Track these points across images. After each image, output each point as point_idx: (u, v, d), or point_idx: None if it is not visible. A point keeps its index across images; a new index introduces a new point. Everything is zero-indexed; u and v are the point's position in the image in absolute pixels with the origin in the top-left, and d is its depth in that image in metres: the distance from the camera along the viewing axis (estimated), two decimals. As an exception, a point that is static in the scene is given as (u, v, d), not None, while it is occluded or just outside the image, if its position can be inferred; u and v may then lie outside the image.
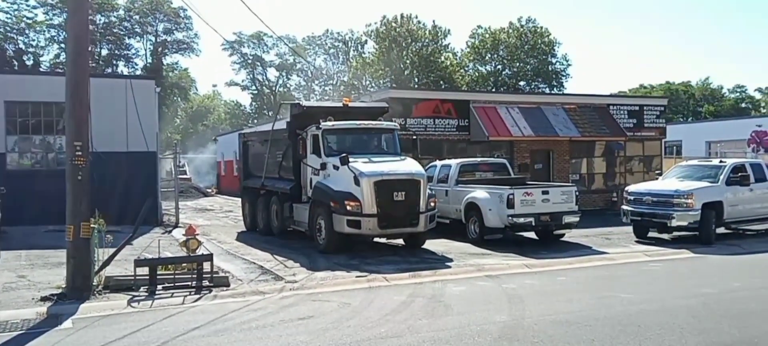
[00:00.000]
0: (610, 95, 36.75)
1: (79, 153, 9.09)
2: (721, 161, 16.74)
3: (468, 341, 7.11)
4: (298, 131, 15.11)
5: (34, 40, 56.08)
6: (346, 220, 13.11)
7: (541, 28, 60.76)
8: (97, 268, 9.61)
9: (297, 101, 16.11)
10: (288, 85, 71.08)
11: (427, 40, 61.76)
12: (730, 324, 7.81)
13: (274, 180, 16.53)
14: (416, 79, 59.42)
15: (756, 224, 16.80)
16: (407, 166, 13.97)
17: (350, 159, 13.35)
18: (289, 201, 15.61)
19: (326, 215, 13.54)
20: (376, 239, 14.61)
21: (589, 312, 8.41)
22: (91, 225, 9.30)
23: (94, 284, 9.42)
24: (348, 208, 13.08)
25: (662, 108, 27.20)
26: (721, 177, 15.57)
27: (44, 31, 55.65)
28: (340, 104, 16.04)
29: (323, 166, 14.11)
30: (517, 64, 60.78)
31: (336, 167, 13.69)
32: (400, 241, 14.72)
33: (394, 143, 15.05)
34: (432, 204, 14.04)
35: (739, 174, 15.77)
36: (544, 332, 7.42)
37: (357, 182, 13.18)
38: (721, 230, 15.93)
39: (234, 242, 16.02)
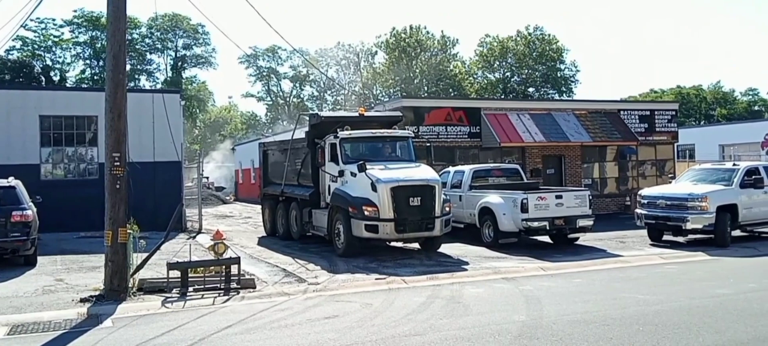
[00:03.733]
0: (621, 100, 36.99)
1: (118, 163, 9.59)
2: (734, 164, 16.73)
3: (489, 339, 7.31)
4: (316, 140, 15.50)
5: (60, 57, 58.79)
6: (364, 225, 13.45)
7: (549, 35, 61.18)
8: (131, 271, 10.06)
9: (315, 112, 16.54)
10: (301, 96, 72.45)
11: (436, 50, 62.40)
12: (746, 323, 7.90)
13: (294, 187, 16.94)
14: (426, 88, 59.89)
15: (771, 226, 16.90)
16: (422, 172, 14.30)
17: (367, 166, 13.72)
18: (308, 207, 16.01)
19: (345, 220, 13.89)
20: (392, 243, 14.95)
21: (606, 312, 8.53)
22: (127, 230, 9.75)
23: (129, 286, 9.86)
24: (366, 213, 13.42)
25: (674, 112, 27.28)
26: (735, 180, 15.59)
27: (70, 48, 58.34)
28: (356, 114, 16.42)
29: (341, 173, 14.48)
30: (526, 71, 61.12)
31: (353, 174, 14.04)
32: (416, 245, 15.02)
33: (408, 150, 15.39)
34: (447, 209, 14.32)
35: (753, 177, 15.76)
36: (563, 331, 7.58)
37: (374, 188, 13.52)
38: (736, 232, 15.94)
39: (256, 247, 16.42)
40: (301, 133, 17.23)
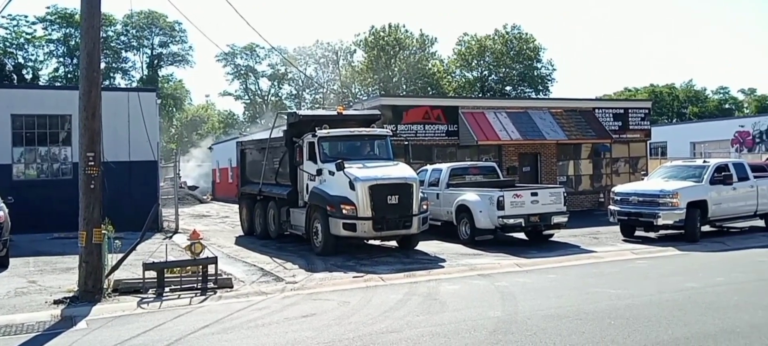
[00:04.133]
0: (596, 99, 37.47)
1: (92, 163, 9.48)
2: (704, 161, 17.12)
3: (465, 335, 7.41)
4: (294, 139, 15.50)
5: (33, 55, 58.41)
6: (342, 223, 13.49)
7: (526, 34, 61.94)
8: (106, 272, 9.95)
9: (293, 110, 16.50)
10: (280, 95, 72.19)
11: (414, 48, 62.72)
12: (714, 316, 8.13)
13: (272, 186, 16.90)
14: (404, 86, 60.11)
15: (739, 221, 17.25)
16: (400, 170, 14.38)
17: (345, 165, 13.76)
18: (286, 206, 16.00)
19: (323, 218, 13.92)
20: (370, 241, 15.02)
21: (579, 307, 8.69)
22: (102, 231, 9.64)
23: (104, 287, 9.77)
24: (344, 211, 13.46)
25: (647, 110, 27.81)
26: (705, 177, 15.96)
27: (43, 45, 58.00)
28: (335, 112, 16.44)
29: (319, 172, 14.50)
30: (503, 69, 61.78)
31: (332, 173, 14.07)
32: (394, 243, 15.10)
33: (386, 149, 15.45)
34: (424, 207, 14.44)
35: (723, 173, 16.17)
36: (537, 325, 7.72)
37: (352, 187, 13.57)
38: (706, 228, 16.34)
39: (233, 246, 16.37)
40: (279, 132, 17.21)
